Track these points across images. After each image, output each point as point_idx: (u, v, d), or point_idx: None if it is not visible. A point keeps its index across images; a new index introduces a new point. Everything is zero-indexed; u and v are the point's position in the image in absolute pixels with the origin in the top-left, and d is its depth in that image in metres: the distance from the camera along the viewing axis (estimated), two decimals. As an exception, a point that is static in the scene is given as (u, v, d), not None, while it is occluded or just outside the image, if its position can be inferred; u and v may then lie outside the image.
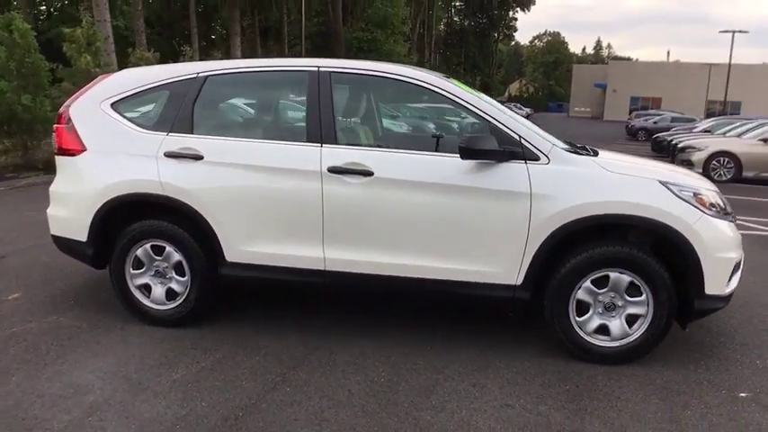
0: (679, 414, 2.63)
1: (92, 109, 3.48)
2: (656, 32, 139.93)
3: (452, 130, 5.57)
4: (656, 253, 3.02)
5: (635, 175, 3.05)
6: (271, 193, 3.19)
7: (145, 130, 3.37)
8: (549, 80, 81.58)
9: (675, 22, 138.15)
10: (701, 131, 16.00)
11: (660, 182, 2.97)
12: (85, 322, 3.51)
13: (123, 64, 11.80)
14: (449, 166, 3.05)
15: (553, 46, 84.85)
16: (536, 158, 2.99)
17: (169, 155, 3.27)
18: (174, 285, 3.41)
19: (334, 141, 3.15)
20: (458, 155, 3.02)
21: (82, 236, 3.44)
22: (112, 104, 3.45)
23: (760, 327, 3.66)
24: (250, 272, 3.28)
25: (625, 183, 2.99)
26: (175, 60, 13.53)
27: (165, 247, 3.37)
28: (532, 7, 56.58)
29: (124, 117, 3.43)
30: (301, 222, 3.18)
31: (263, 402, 2.65)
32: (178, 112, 3.34)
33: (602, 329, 3.06)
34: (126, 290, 3.46)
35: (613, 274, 2.98)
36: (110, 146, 3.40)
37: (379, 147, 3.35)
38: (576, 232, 2.95)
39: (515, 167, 2.98)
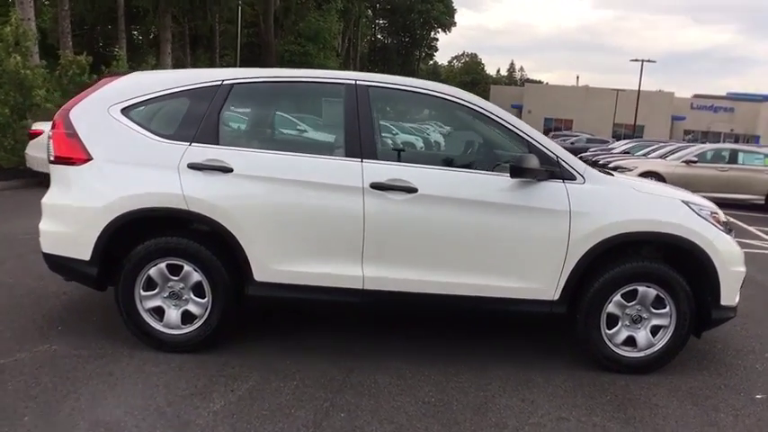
0: (715, 417, 2.81)
1: (97, 114, 3.18)
2: (564, 58, 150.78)
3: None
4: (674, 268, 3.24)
5: (662, 195, 3.25)
6: (308, 209, 3.06)
7: (162, 139, 3.12)
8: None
9: (580, 50, 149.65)
10: (620, 152, 17.32)
11: (683, 201, 3.20)
12: (85, 350, 3.16)
13: (51, 67, 10.87)
14: (492, 183, 3.09)
15: (470, 67, 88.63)
16: (573, 178, 3.11)
17: (193, 166, 3.05)
18: (191, 307, 3.16)
19: (375, 157, 3.09)
20: (495, 173, 3.10)
21: (84, 254, 3.11)
22: (123, 110, 3.17)
23: (744, 334, 4.00)
24: (280, 292, 3.11)
25: (656, 202, 3.19)
26: (106, 65, 12.62)
27: (182, 267, 3.12)
28: (453, 28, 59.01)
29: (137, 124, 3.16)
30: (340, 239, 3.08)
31: (325, 430, 2.52)
32: (201, 121, 3.13)
33: (630, 341, 3.21)
34: (134, 313, 3.16)
35: (641, 288, 3.14)
36: (120, 155, 3.12)
37: (418, 163, 3.32)
38: (611, 249, 3.09)
39: (555, 186, 3.08)
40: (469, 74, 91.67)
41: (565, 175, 3.10)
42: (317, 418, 2.61)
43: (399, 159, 3.33)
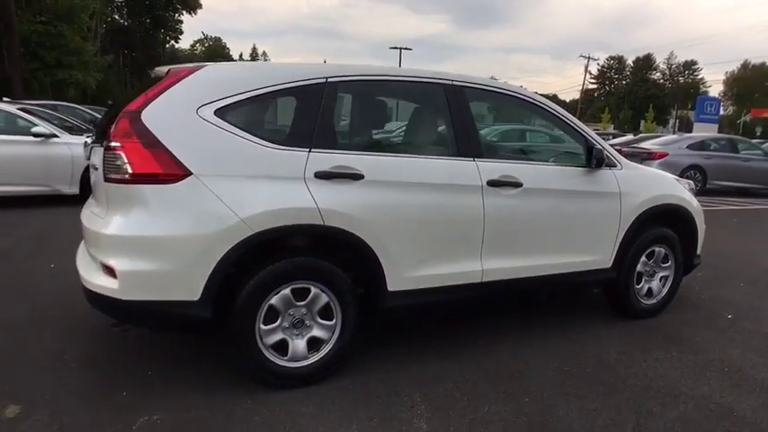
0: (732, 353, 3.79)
1: (184, 117, 2.54)
2: (301, 43, 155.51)
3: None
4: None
5: (664, 175, 4.11)
6: (435, 211, 3.00)
7: (276, 146, 2.66)
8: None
9: (316, 35, 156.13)
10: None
11: (675, 179, 4.12)
12: (209, 411, 2.56)
13: None
14: (572, 174, 3.50)
15: (215, 51, 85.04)
16: (615, 165, 3.71)
17: (321, 175, 2.70)
18: (316, 332, 2.82)
19: (482, 155, 3.19)
20: (567, 165, 3.54)
21: (191, 294, 2.50)
22: (217, 112, 2.59)
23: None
24: (409, 299, 2.99)
25: (663, 181, 4.02)
26: None
27: (309, 289, 2.76)
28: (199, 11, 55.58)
29: (238, 128, 2.62)
30: (464, 237, 3.11)
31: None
32: (316, 123, 2.76)
33: (648, 292, 4.04)
34: (256, 352, 2.68)
35: (657, 249, 3.96)
36: (228, 167, 2.56)
37: (512, 159, 3.48)
38: (645, 219, 3.81)
39: (608, 173, 3.64)
40: (214, 58, 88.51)
41: (611, 164, 3.70)
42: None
43: (499, 157, 3.46)
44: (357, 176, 2.77)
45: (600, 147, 3.55)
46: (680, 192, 4.05)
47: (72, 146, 7.20)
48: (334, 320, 2.84)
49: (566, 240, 3.51)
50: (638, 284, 3.95)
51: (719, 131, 26.67)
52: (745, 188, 12.38)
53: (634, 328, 3.86)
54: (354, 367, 2.99)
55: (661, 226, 3.97)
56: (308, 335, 2.81)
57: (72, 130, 8.37)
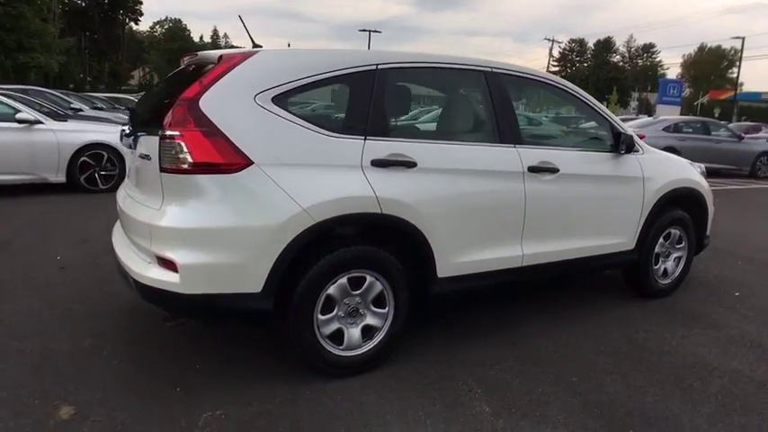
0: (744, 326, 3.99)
1: (243, 105, 2.47)
2: (259, 24, 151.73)
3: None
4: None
5: (678, 159, 4.23)
6: (482, 198, 3.03)
7: (333, 134, 2.63)
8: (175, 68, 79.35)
9: (274, 16, 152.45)
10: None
11: (689, 163, 4.26)
12: (270, 403, 2.54)
13: None
14: (601, 159, 3.57)
15: (175, 33, 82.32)
16: (637, 150, 3.81)
17: (377, 163, 2.68)
18: (369, 321, 2.83)
19: (522, 142, 3.22)
20: (596, 150, 3.61)
21: (253, 286, 2.46)
22: (274, 99, 2.53)
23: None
24: (457, 285, 3.02)
25: (679, 165, 4.15)
26: None
27: (365, 278, 2.75)
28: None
29: (295, 116, 2.57)
30: (507, 223, 3.15)
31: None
32: (369, 110, 2.73)
33: (664, 272, 4.18)
34: (315, 343, 2.67)
35: (673, 230, 4.10)
36: (288, 156, 2.52)
37: (546, 145, 3.52)
38: (665, 202, 3.93)
39: (632, 158, 3.73)
40: (175, 40, 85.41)
41: (635, 149, 3.79)
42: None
43: (535, 143, 3.49)
44: (410, 164, 2.76)
45: (629, 133, 3.63)
46: (694, 175, 4.19)
47: (58, 132, 6.90)
48: (386, 308, 2.85)
49: (595, 224, 3.60)
50: (655, 265, 4.09)
51: (681, 113, 27.58)
52: (717, 169, 12.89)
53: (652, 307, 4.00)
54: (401, 354, 3.01)
55: (677, 208, 4.10)
56: (362, 323, 2.81)
57: (57, 115, 8.00)
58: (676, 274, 4.25)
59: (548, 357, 3.14)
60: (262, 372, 2.82)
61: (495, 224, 3.13)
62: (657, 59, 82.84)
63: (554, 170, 3.28)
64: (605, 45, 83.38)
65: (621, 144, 3.56)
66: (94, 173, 7.37)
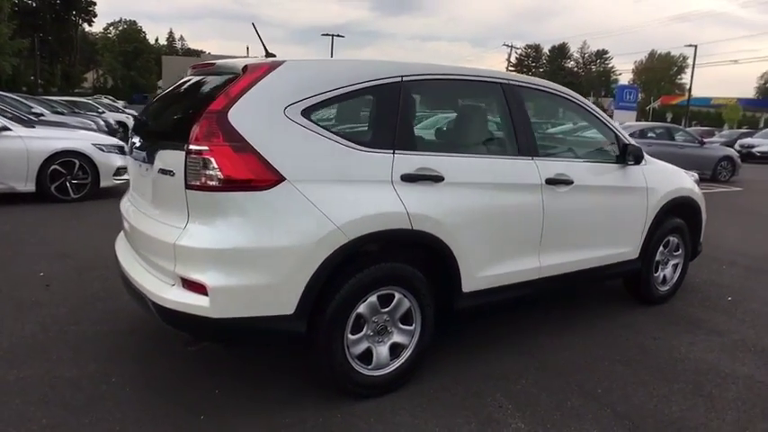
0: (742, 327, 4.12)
1: (272, 118, 2.37)
2: (217, 27, 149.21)
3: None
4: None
5: (675, 169, 4.33)
6: (504, 211, 3.01)
7: (363, 148, 2.55)
8: (131, 70, 77.05)
9: (232, 19, 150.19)
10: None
11: (684, 172, 4.37)
12: (304, 429, 2.43)
13: None
14: (610, 170, 3.62)
15: (130, 35, 80.00)
16: (640, 162, 3.89)
17: (407, 178, 2.62)
18: (397, 338, 2.76)
19: (539, 154, 3.22)
20: (605, 161, 3.66)
21: (286, 308, 2.36)
22: (303, 112, 2.43)
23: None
24: (481, 299, 2.99)
25: (676, 175, 4.24)
26: None
27: (393, 295, 2.69)
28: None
29: (325, 129, 2.48)
30: (527, 236, 3.14)
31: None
32: (396, 123, 2.67)
33: (663, 279, 4.27)
34: (345, 364, 2.58)
35: (672, 239, 4.20)
36: (319, 171, 2.43)
37: (560, 157, 3.52)
38: (666, 212, 4.01)
39: (636, 169, 3.79)
40: (130, 42, 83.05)
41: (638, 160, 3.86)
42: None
43: (549, 155, 3.48)
44: (438, 179, 2.72)
45: (637, 145, 3.70)
46: (690, 184, 4.31)
47: (26, 139, 6.54)
48: (413, 325, 2.80)
49: (605, 234, 3.65)
50: (655, 272, 4.17)
51: (636, 118, 28.56)
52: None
53: (653, 313, 4.08)
54: (421, 368, 2.95)
55: (675, 216, 4.20)
56: (390, 341, 2.75)
57: (24, 121, 7.56)
58: (674, 280, 4.36)
59: (567, 368, 3.15)
60: (285, 395, 2.72)
61: (516, 237, 3.12)
62: (610, 65, 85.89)
63: (569, 182, 3.29)
64: (560, 51, 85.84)
65: (629, 155, 3.62)
66: (66, 182, 7.02)
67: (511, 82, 3.21)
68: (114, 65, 77.48)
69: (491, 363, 3.16)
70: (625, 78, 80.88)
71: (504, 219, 3.03)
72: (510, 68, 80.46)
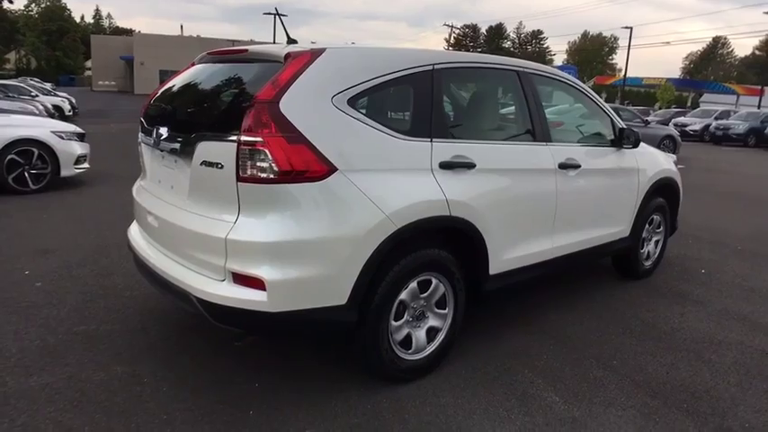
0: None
1: (321, 107, 2.35)
2: (148, 4, 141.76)
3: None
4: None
5: (660, 152, 4.59)
6: (525, 195, 3.13)
7: (403, 136, 2.57)
8: (56, 51, 72.01)
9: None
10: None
11: (666, 155, 4.64)
12: (356, 416, 2.47)
13: None
14: (608, 153, 3.81)
15: (54, 12, 74.53)
16: (638, 145, 4.09)
17: (444, 165, 2.67)
18: (432, 322, 2.84)
19: (552, 140, 3.34)
20: (602, 145, 3.84)
21: (339, 298, 2.38)
22: (350, 101, 2.42)
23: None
24: (506, 280, 3.12)
25: (663, 157, 4.50)
26: None
27: (431, 281, 2.75)
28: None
29: (370, 118, 2.49)
30: (543, 218, 3.29)
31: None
32: (432, 112, 2.70)
33: (648, 255, 4.56)
34: (390, 351, 2.63)
35: (656, 217, 4.49)
36: (367, 160, 2.44)
37: (565, 142, 3.63)
38: (653, 192, 4.27)
39: (629, 151, 4.01)
40: (54, 21, 77.49)
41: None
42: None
43: (558, 140, 3.59)
44: (471, 165, 2.79)
45: (634, 130, 3.91)
46: (671, 165, 4.60)
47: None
48: (447, 309, 2.88)
49: (606, 214, 3.86)
50: (641, 249, 4.45)
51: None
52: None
53: (640, 288, 4.36)
54: (451, 353, 3.04)
55: (659, 196, 4.48)
56: (426, 326, 2.82)
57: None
58: (656, 255, 4.66)
59: (582, 342, 3.34)
60: (326, 385, 2.74)
61: (534, 220, 3.25)
62: (545, 45, 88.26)
63: (577, 166, 3.45)
64: (497, 31, 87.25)
65: (626, 138, 3.83)
66: (23, 172, 6.57)
67: (525, 69, 3.31)
68: (38, 45, 72.18)
69: (510, 340, 3.30)
70: (559, 59, 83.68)
71: (526, 203, 3.16)
72: (449, 48, 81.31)
